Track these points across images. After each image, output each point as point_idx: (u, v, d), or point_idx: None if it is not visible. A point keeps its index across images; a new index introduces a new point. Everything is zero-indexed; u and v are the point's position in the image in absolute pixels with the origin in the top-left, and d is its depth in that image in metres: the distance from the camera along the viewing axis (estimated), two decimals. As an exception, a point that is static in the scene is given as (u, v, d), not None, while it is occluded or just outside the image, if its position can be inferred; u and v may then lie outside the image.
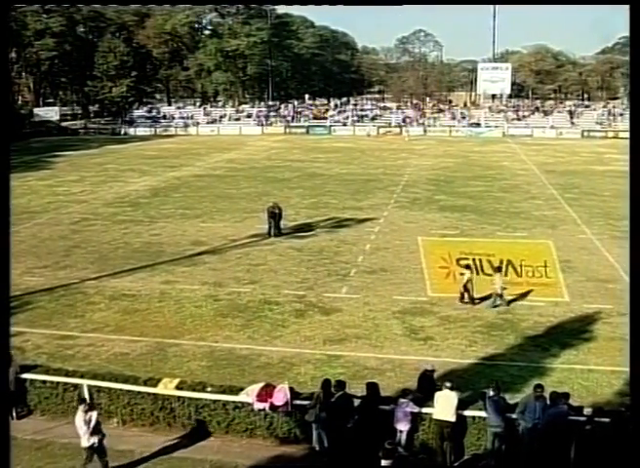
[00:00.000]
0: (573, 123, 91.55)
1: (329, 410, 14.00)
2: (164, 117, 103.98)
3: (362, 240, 31.95)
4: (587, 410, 13.68)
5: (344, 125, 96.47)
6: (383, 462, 11.99)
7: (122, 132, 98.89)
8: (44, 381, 15.64)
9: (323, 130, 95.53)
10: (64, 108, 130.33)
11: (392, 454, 12.19)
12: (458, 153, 69.85)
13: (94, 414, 13.39)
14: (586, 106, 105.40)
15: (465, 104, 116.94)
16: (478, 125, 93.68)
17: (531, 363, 18.41)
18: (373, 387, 14.50)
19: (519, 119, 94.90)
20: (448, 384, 14.12)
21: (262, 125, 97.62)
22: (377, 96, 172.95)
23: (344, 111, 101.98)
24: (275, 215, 32.73)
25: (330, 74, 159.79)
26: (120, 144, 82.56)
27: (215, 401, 14.83)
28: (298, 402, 14.42)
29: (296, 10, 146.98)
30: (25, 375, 15.65)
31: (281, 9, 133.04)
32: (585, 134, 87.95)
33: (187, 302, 23.39)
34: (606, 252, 29.60)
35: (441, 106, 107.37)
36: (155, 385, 15.10)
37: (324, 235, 33.14)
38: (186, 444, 14.68)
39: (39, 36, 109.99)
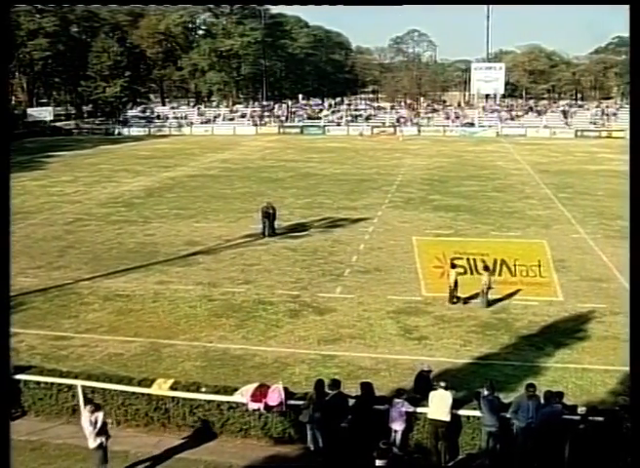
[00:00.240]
0: (567, 123, 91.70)
1: (323, 410, 14.00)
2: (158, 117, 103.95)
3: (356, 240, 31.96)
4: (581, 409, 13.71)
5: (338, 125, 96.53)
6: (378, 462, 12.00)
7: (116, 132, 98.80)
8: (38, 382, 15.59)
9: (317, 130, 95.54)
10: (58, 108, 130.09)
11: (387, 454, 12.21)
12: (452, 153, 69.94)
13: (100, 415, 13.35)
14: (580, 106, 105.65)
15: (459, 104, 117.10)
16: (472, 125, 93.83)
17: (525, 362, 18.44)
18: (367, 387, 14.49)
19: (513, 119, 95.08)
20: (442, 384, 14.13)
21: (256, 125, 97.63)
22: (371, 95, 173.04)
23: (338, 111, 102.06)
24: (269, 216, 32.73)
25: (324, 74, 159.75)
26: (114, 144, 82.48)
27: (209, 401, 14.81)
28: (292, 402, 14.41)
29: (289, 10, 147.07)
30: (19, 376, 15.59)
31: (275, 9, 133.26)
32: (579, 133, 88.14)
33: (182, 302, 23.36)
34: (600, 251, 29.67)
35: (435, 106, 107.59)
36: (149, 386, 15.07)
37: (318, 235, 33.14)
38: (181, 444, 14.67)
39: (32, 36, 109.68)
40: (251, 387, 14.59)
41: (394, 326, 21.14)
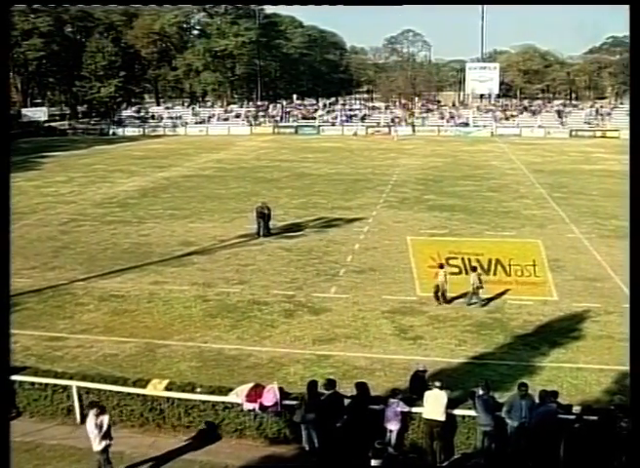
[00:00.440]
0: (561, 122, 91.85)
1: (319, 410, 14.00)
2: (152, 117, 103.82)
3: (351, 240, 31.97)
4: (576, 409, 13.74)
5: (333, 125, 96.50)
6: (373, 462, 12.01)
7: (110, 132, 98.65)
8: (33, 383, 15.56)
9: (312, 130, 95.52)
10: (52, 109, 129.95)
11: (382, 454, 12.21)
12: (446, 153, 69.98)
13: (105, 418, 13.31)
14: (574, 106, 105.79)
15: (454, 104, 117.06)
16: (466, 124, 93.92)
17: (520, 361, 18.46)
18: (362, 387, 14.50)
19: (507, 119, 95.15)
20: (437, 383, 14.14)
21: (251, 125, 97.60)
22: (365, 95, 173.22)
23: (333, 111, 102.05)
24: (264, 216, 32.71)
25: (318, 74, 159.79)
26: (108, 145, 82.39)
27: (204, 401, 14.81)
28: (287, 402, 14.41)
29: (284, 10, 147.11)
30: (14, 377, 15.54)
31: (270, 9, 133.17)
32: (573, 133, 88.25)
33: (176, 303, 23.34)
34: (594, 250, 29.72)
35: (430, 106, 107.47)
36: (144, 386, 15.06)
37: (313, 235, 33.14)
38: (176, 444, 14.66)
39: (27, 36, 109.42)
40: (246, 387, 14.58)
41: (389, 325, 21.16)
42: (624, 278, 25.07)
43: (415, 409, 14.10)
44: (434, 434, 13.89)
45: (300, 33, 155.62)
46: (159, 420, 15.15)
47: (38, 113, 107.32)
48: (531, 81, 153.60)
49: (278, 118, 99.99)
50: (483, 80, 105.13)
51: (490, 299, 23.04)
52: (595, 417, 13.27)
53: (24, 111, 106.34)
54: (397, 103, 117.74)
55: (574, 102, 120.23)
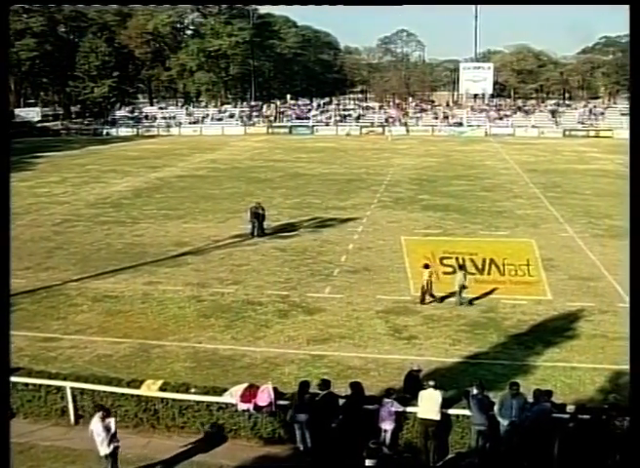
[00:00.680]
0: (555, 122, 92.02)
1: (313, 410, 14.00)
2: (146, 117, 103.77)
3: (345, 240, 31.97)
4: (570, 408, 13.75)
5: (327, 125, 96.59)
6: (368, 462, 12.02)
7: (104, 132, 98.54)
8: (26, 384, 15.51)
9: (306, 130, 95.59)
10: (46, 109, 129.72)
11: (376, 454, 12.23)
12: (440, 153, 70.07)
13: (112, 421, 13.25)
14: (568, 106, 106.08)
15: (448, 104, 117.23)
16: (460, 124, 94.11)
17: (514, 361, 18.48)
18: (357, 387, 14.50)
19: (501, 118, 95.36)
20: (431, 383, 14.15)
21: (245, 125, 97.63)
22: (359, 95, 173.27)
23: (327, 111, 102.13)
24: (259, 216, 32.69)
25: (312, 74, 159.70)
26: (102, 145, 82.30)
27: (198, 402, 14.79)
28: (281, 402, 14.40)
29: (278, 10, 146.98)
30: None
31: (263, 9, 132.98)
32: (567, 133, 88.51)
33: (170, 303, 23.31)
34: (588, 250, 29.78)
35: (423, 106, 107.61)
36: (139, 387, 15.03)
37: (307, 235, 33.13)
38: (170, 445, 14.64)
39: (20, 36, 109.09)
40: (240, 388, 14.58)
41: (383, 325, 21.16)
42: (618, 277, 25.20)
43: (409, 409, 14.11)
44: (429, 433, 13.90)
45: (294, 33, 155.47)
46: (153, 421, 15.13)
47: (31, 113, 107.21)
48: (524, 81, 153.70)
49: (272, 118, 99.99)
50: (477, 80, 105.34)
51: (476, 299, 23.07)
52: (589, 416, 13.30)
53: (17, 111, 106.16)
54: (391, 103, 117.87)
55: (567, 102, 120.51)
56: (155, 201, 42.99)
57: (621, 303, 22.66)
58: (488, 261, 22.37)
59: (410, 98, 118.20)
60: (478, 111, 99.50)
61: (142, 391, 14.94)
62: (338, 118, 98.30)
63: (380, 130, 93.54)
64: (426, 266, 22.47)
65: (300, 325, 21.27)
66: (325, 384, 14.40)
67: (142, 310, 22.69)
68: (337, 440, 13.92)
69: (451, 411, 14.01)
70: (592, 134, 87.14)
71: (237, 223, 34.76)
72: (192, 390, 14.88)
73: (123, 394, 15.05)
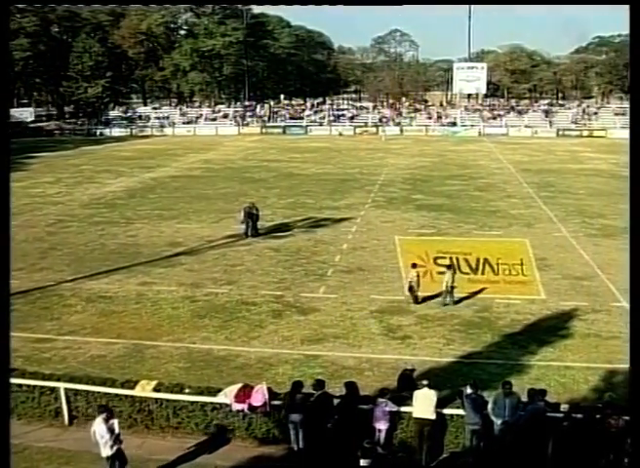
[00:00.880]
0: (549, 122, 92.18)
1: (307, 410, 14.01)
2: (140, 118, 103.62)
3: (339, 239, 31.99)
4: (564, 407, 13.78)
5: (321, 125, 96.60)
6: (362, 461, 12.03)
7: (97, 133, 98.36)
8: (20, 385, 15.45)
9: (299, 130, 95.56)
10: (39, 109, 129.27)
11: (371, 453, 12.24)
12: (434, 152, 70.15)
13: (115, 422, 13.20)
14: (561, 105, 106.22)
15: (441, 104, 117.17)
16: (454, 124, 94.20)
17: (508, 360, 18.52)
18: (351, 386, 14.50)
19: (495, 118, 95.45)
20: (425, 382, 14.16)
21: (239, 125, 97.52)
22: (353, 95, 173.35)
23: (321, 111, 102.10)
24: (252, 216, 32.68)
25: (306, 74, 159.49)
26: (96, 145, 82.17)
27: (193, 402, 14.79)
28: (276, 402, 14.41)
29: (271, 9, 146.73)
30: (1, 379, 15.46)
31: (257, 9, 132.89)
32: (560, 132, 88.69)
33: (164, 304, 23.29)
34: (581, 249, 29.85)
35: (417, 106, 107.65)
36: (133, 387, 15.02)
37: (301, 235, 33.14)
38: (165, 445, 14.63)
39: (13, 36, 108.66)
40: (234, 388, 14.58)
41: (377, 325, 21.18)
42: (611, 276, 25.30)
43: (404, 409, 14.12)
44: (424, 433, 13.91)
45: (288, 33, 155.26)
46: (147, 421, 15.12)
47: (25, 114, 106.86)
48: (518, 81, 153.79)
49: (266, 118, 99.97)
50: (470, 80, 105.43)
51: (464, 298, 23.10)
52: (583, 415, 13.33)
53: (11, 112, 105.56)
54: (385, 103, 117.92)
55: (560, 102, 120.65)
56: (149, 201, 42.94)
57: (615, 302, 22.75)
58: (482, 261, 22.43)
59: (403, 98, 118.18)
60: (472, 111, 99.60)
61: (137, 392, 14.92)
62: (331, 118, 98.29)
63: (373, 130, 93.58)
64: (413, 265, 22.54)
65: (294, 325, 21.28)
66: (319, 384, 14.41)
67: (136, 310, 22.67)
68: (331, 440, 13.92)
69: (445, 411, 14.04)
70: (586, 133, 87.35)
71: (231, 223, 34.71)
72: (186, 390, 14.87)
73: (117, 395, 15.02)
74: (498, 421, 13.63)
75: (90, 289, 25.01)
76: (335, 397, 14.40)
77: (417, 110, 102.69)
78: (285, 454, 14.35)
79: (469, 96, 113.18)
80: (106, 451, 13.02)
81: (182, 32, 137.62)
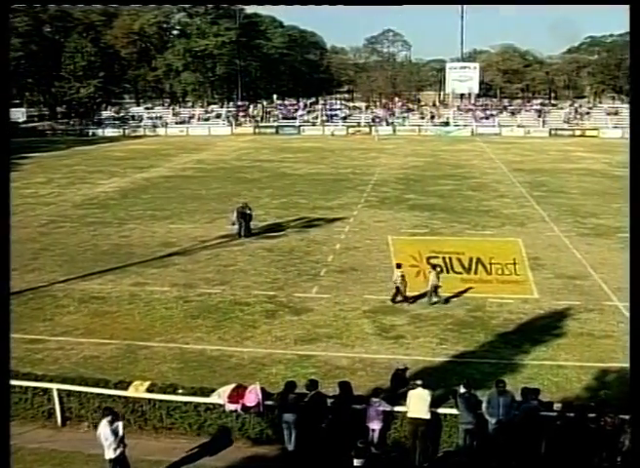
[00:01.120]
0: (543, 122, 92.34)
1: (301, 411, 14.00)
2: (132, 118, 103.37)
3: (332, 239, 31.99)
4: (557, 406, 13.82)
5: (314, 125, 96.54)
6: (356, 461, 12.03)
7: (90, 133, 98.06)
8: (13, 386, 15.39)
9: (292, 130, 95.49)
10: (31, 109, 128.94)
11: (364, 453, 12.24)
12: (427, 152, 70.21)
13: (120, 424, 13.15)
14: (553, 105, 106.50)
15: (434, 104, 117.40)
16: (447, 124, 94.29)
17: (501, 360, 18.55)
18: (345, 386, 14.50)
19: (487, 118, 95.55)
20: (419, 382, 14.16)
21: (232, 125, 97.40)
22: (346, 95, 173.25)
23: (314, 111, 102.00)
24: (246, 216, 32.65)
25: (299, 74, 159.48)
26: (88, 146, 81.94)
27: (186, 403, 14.77)
28: (269, 402, 14.40)
29: (264, 9, 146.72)
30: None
31: (250, 9, 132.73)
32: (553, 132, 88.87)
33: (157, 304, 23.25)
34: (574, 249, 29.90)
35: (410, 106, 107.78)
36: (126, 388, 15.00)
37: (294, 235, 33.12)
38: (158, 446, 14.61)
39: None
40: (228, 388, 14.57)
41: (371, 325, 21.19)
42: (604, 276, 25.38)
43: (397, 409, 14.13)
44: (418, 433, 13.91)
45: (281, 33, 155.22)
46: (141, 422, 15.09)
47: (17, 114, 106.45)
48: (510, 80, 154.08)
49: (259, 118, 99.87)
50: (463, 80, 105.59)
51: (450, 298, 23.14)
52: (576, 414, 13.36)
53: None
54: (378, 103, 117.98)
55: (553, 102, 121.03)
56: (142, 201, 42.86)
57: (607, 301, 22.83)
58: (475, 260, 22.46)
59: (396, 98, 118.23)
60: (464, 111, 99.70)
61: (130, 392, 14.90)
62: (324, 118, 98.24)
63: (366, 129, 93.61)
64: (398, 266, 22.59)
65: (287, 325, 21.27)
66: (313, 384, 14.40)
67: (129, 311, 22.62)
68: (324, 440, 13.92)
69: (439, 411, 14.04)
70: (578, 133, 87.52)
71: (224, 224, 34.64)
72: (180, 391, 14.86)
73: (110, 395, 14.99)
74: (492, 420, 13.65)
75: (82, 289, 24.95)
76: (328, 397, 14.40)
77: (409, 110, 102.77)
78: (278, 454, 14.34)
79: (462, 95, 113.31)
80: (110, 454, 12.99)
81: (175, 32, 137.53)
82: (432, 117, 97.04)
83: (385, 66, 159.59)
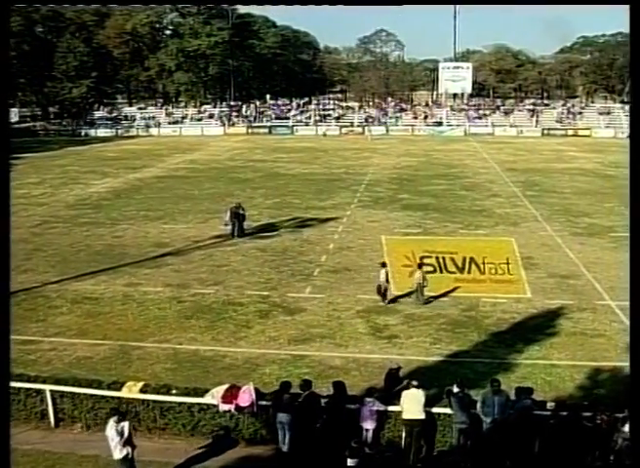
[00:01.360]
0: (535, 121, 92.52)
1: (295, 411, 14.00)
2: (125, 118, 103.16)
3: (325, 239, 31.99)
4: (550, 405, 13.84)
5: (307, 125, 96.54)
6: (349, 461, 12.04)
7: (83, 133, 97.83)
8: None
9: (285, 130, 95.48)
10: (23, 109, 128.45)
11: (358, 453, 12.25)
12: (420, 152, 70.27)
13: (126, 425, 13.12)
14: (546, 105, 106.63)
15: (427, 104, 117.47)
16: (440, 124, 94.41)
17: (495, 359, 18.57)
18: (339, 386, 14.50)
19: (480, 118, 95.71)
20: (414, 382, 14.16)
21: (225, 125, 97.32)
22: (339, 95, 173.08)
23: (307, 111, 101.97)
24: (239, 216, 32.62)
25: (292, 74, 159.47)
26: (81, 146, 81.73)
27: (180, 403, 14.74)
28: (263, 402, 14.39)
29: (257, 9, 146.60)
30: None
31: (243, 9, 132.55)
32: (545, 132, 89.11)
33: (151, 304, 23.21)
34: (567, 248, 29.97)
35: (403, 106, 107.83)
36: (119, 389, 14.97)
37: (287, 235, 33.11)
38: (152, 447, 14.58)
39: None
40: (221, 388, 14.55)
41: (364, 325, 21.19)
42: (597, 275, 25.45)
43: (391, 408, 14.13)
44: (414, 434, 13.91)
45: (273, 33, 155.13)
46: (134, 423, 14.99)
47: (9, 114, 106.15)
48: (503, 80, 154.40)
49: (252, 118, 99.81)
50: (456, 79, 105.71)
51: (436, 297, 23.16)
52: (570, 413, 13.38)
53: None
54: (371, 103, 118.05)
55: (545, 102, 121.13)
56: (135, 202, 42.78)
57: (600, 301, 22.88)
58: (468, 260, 22.47)
59: (389, 98, 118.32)
60: (457, 111, 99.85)
61: (123, 393, 14.87)
62: (317, 118, 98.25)
63: (359, 129, 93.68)
64: (383, 265, 22.60)
65: (280, 325, 21.26)
66: (306, 384, 14.39)
67: (122, 312, 22.58)
68: (319, 440, 13.92)
69: (432, 410, 14.05)
70: (571, 133, 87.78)
71: (217, 224, 34.63)
72: (173, 392, 14.83)
73: (103, 396, 14.95)
74: (487, 420, 13.66)
75: (75, 290, 24.89)
76: (322, 397, 14.40)
77: (402, 110, 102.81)
78: (273, 455, 14.33)
79: (455, 95, 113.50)
80: (117, 454, 12.99)
81: (168, 32, 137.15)
82: (425, 117, 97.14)
83: (378, 66, 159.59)
